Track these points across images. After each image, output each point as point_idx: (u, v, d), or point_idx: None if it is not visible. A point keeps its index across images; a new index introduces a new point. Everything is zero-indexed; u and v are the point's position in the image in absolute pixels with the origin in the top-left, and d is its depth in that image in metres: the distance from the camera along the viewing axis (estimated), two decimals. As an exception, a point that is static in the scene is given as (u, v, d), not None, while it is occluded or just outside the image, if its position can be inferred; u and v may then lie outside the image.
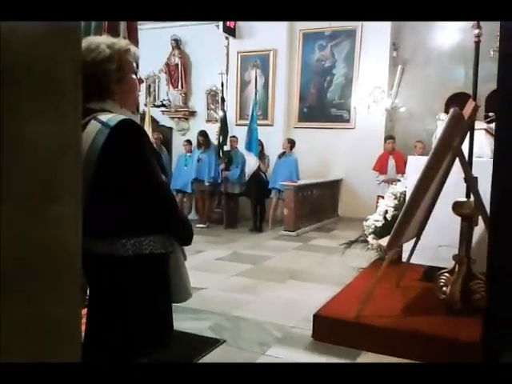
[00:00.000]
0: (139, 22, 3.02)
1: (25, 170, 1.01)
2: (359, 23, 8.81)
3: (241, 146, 8.53)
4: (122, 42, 1.73)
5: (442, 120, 4.89)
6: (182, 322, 3.57)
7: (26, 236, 1.03)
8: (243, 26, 9.44)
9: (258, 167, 8.30)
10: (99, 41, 1.66)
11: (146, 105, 8.58)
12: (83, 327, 1.65)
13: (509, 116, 1.22)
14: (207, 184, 8.45)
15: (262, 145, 8.57)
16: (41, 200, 1.07)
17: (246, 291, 4.60)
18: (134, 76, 1.77)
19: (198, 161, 8.48)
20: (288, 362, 3.03)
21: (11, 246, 0.99)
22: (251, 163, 8.15)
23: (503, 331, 1.29)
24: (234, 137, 8.61)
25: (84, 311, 1.69)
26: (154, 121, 9.13)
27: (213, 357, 3.13)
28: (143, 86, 9.75)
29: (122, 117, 1.57)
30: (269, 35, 9.19)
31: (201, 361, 3.04)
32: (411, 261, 4.07)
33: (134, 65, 1.77)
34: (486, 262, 1.29)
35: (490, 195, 1.26)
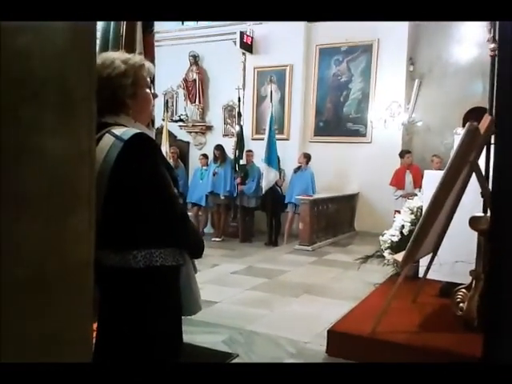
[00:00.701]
0: (156, 38, 3.07)
1: (40, 183, 1.04)
2: (375, 38, 8.84)
3: (256, 160, 8.56)
4: (136, 58, 1.77)
5: (459, 134, 4.85)
6: (196, 336, 3.57)
7: (40, 248, 1.05)
8: (260, 41, 9.54)
9: (276, 181, 8.31)
10: (114, 56, 1.70)
11: (163, 119, 8.69)
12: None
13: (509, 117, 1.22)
14: (223, 198, 8.47)
15: (278, 159, 8.59)
16: (55, 212, 1.09)
17: (261, 305, 4.58)
18: (149, 91, 1.80)
19: (214, 175, 8.52)
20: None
21: (26, 258, 1.01)
22: (270, 177, 8.15)
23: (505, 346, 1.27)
24: (250, 151, 8.66)
25: (95, 324, 1.70)
26: (171, 135, 9.24)
27: (226, 371, 3.11)
28: (161, 101, 9.89)
29: (136, 131, 1.60)
30: (285, 51, 9.27)
31: (213, 375, 3.03)
32: (428, 276, 4.01)
33: (149, 80, 1.81)
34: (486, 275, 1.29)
35: (492, 201, 1.26)
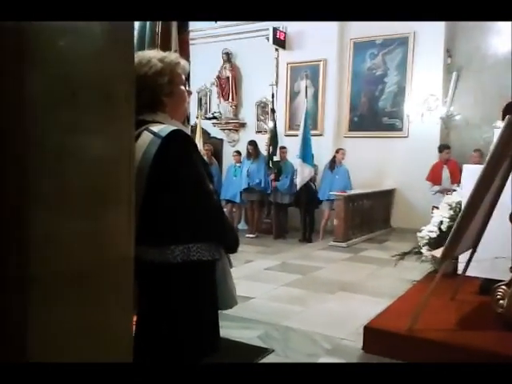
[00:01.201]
0: (190, 37, 3.10)
1: (81, 181, 1.07)
2: (411, 30, 8.65)
3: (290, 157, 8.54)
4: (172, 56, 1.80)
5: (499, 128, 4.70)
6: (231, 331, 3.60)
7: (81, 243, 1.09)
8: (293, 37, 9.50)
9: (311, 177, 8.27)
10: (150, 55, 1.73)
11: (197, 117, 8.78)
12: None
13: None
14: (256, 194, 8.49)
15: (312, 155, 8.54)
16: (96, 209, 1.12)
17: (295, 301, 4.58)
18: (184, 88, 1.83)
19: (248, 171, 8.55)
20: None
21: (67, 252, 1.05)
22: (305, 173, 8.11)
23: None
24: (283, 147, 8.64)
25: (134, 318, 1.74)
26: (205, 133, 9.33)
27: (261, 366, 3.13)
28: (195, 99, 9.99)
29: (173, 127, 1.63)
30: (319, 46, 9.19)
31: (249, 369, 3.05)
32: (467, 273, 3.92)
33: (184, 77, 1.84)
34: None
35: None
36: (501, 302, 3.30)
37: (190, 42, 3.12)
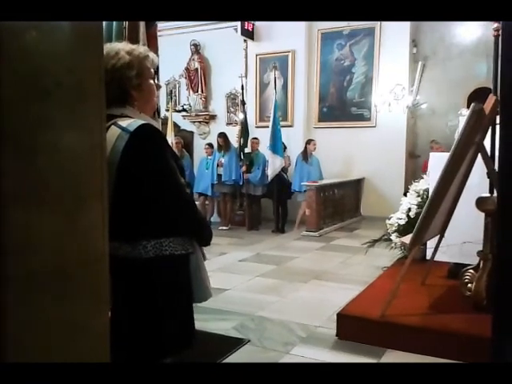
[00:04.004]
0: (158, 28, 3.07)
1: (54, 177, 1.06)
2: (378, 21, 8.75)
3: (261, 148, 8.56)
4: (140, 49, 1.78)
5: (464, 116, 4.83)
6: (207, 323, 3.62)
7: (55, 240, 1.08)
8: (261, 28, 9.48)
9: (282, 168, 8.30)
10: (119, 47, 1.71)
11: (167, 110, 8.69)
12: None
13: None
14: (228, 186, 8.49)
15: (284, 146, 8.58)
16: (69, 205, 1.11)
17: (270, 292, 4.63)
18: (153, 82, 1.81)
19: (219, 162, 8.53)
20: (311, 362, 3.04)
21: (41, 249, 1.04)
22: (276, 164, 8.15)
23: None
24: (255, 138, 8.65)
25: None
26: (175, 125, 9.24)
27: (237, 356, 3.16)
28: (164, 91, 9.87)
29: (141, 122, 1.61)
30: (287, 37, 9.21)
31: (226, 360, 3.08)
32: (436, 258, 4.03)
33: (152, 71, 1.82)
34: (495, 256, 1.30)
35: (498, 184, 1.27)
36: (469, 285, 3.41)
37: (158, 33, 3.09)
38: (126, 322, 1.71)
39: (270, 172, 8.15)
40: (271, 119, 8.38)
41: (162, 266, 1.64)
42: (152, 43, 2.75)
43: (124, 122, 1.61)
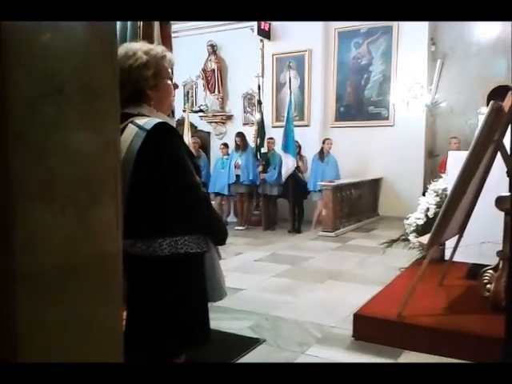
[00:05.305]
0: (174, 29, 3.08)
1: (67, 175, 1.06)
2: (395, 19, 8.67)
3: (278, 148, 8.55)
4: (158, 49, 1.79)
5: (484, 114, 4.75)
6: (222, 322, 3.62)
7: (68, 237, 1.08)
8: (278, 27, 9.47)
9: (297, 168, 8.28)
10: (136, 47, 1.72)
11: (184, 111, 8.73)
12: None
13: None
14: (245, 186, 8.49)
15: (299, 146, 8.55)
16: (83, 203, 1.12)
17: (286, 291, 4.61)
18: (170, 81, 1.82)
19: (236, 163, 8.54)
20: (327, 362, 3.02)
21: (54, 247, 1.04)
22: (289, 164, 8.13)
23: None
24: (271, 138, 8.64)
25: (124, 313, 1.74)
26: (192, 126, 9.29)
27: (253, 356, 3.15)
28: (181, 92, 9.93)
29: (158, 120, 1.63)
30: (304, 36, 9.18)
31: (241, 360, 3.07)
32: (454, 259, 3.97)
33: (170, 71, 1.83)
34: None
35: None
36: (488, 286, 3.36)
37: (174, 34, 3.11)
38: (142, 320, 1.72)
39: (284, 172, 8.13)
40: (285, 119, 8.36)
41: (177, 263, 1.65)
42: (166, 42, 2.76)
43: (141, 121, 1.63)
